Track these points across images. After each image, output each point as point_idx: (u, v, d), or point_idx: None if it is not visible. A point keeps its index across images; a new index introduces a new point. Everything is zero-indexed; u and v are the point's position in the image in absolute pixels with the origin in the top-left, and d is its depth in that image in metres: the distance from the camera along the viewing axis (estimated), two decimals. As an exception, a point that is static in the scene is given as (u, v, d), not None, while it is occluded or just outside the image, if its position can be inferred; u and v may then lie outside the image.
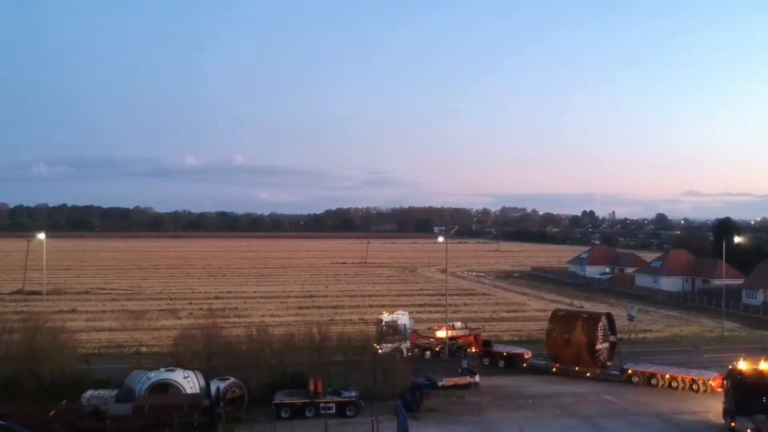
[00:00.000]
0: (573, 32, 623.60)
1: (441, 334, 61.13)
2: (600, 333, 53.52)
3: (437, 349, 58.75)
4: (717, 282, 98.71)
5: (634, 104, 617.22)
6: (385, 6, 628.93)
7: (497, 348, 59.14)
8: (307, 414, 40.94)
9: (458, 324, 62.77)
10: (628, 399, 46.20)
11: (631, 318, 70.35)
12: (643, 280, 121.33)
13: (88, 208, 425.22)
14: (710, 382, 47.58)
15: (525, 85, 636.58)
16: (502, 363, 56.04)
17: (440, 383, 44.47)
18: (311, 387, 41.78)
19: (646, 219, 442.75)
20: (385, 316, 58.22)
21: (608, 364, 53.80)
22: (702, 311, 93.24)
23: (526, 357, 56.19)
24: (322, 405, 40.98)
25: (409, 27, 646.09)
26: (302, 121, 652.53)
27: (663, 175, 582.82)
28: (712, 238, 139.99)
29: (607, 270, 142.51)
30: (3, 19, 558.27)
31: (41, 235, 79.87)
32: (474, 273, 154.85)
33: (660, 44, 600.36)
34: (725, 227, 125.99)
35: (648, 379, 50.10)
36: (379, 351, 52.39)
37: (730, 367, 40.32)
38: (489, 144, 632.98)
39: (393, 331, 56.61)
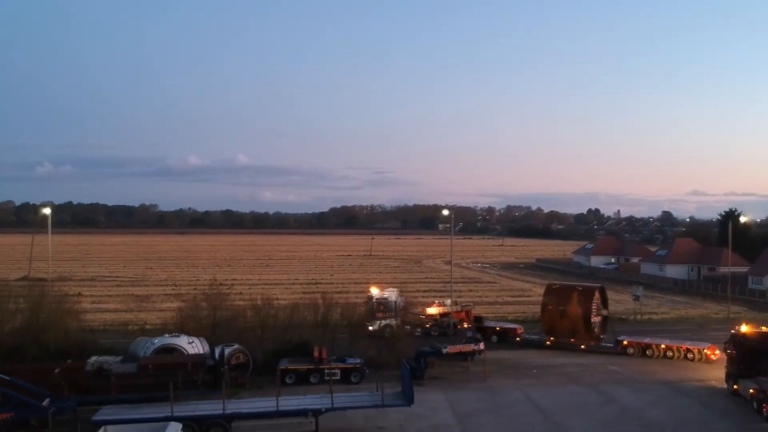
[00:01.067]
0: (574, 31, 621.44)
1: (431, 311, 61.04)
2: (594, 306, 53.80)
3: (428, 325, 58.53)
4: (723, 269, 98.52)
5: (638, 103, 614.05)
6: (386, 5, 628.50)
7: (489, 323, 59.22)
8: (312, 380, 40.99)
9: (448, 301, 62.59)
10: (632, 369, 46.23)
11: (636, 298, 70.32)
12: (648, 269, 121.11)
13: (93, 206, 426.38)
14: (705, 351, 47.81)
15: (528, 85, 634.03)
16: (494, 338, 55.94)
17: (444, 350, 44.60)
18: (316, 354, 41.85)
19: (651, 217, 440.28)
20: (375, 293, 57.77)
21: (601, 337, 54.04)
22: (708, 297, 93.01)
23: (518, 332, 56.32)
24: (326, 371, 40.87)
25: (411, 25, 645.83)
26: (305, 121, 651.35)
27: (667, 174, 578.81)
28: (717, 228, 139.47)
29: (613, 260, 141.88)
30: (6, 19, 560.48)
31: (46, 210, 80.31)
32: (479, 264, 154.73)
33: (664, 43, 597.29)
34: (731, 216, 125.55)
35: (643, 350, 50.16)
36: (369, 328, 52.27)
37: (732, 331, 40.45)
38: (493, 143, 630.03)
39: (383, 308, 56.37)
